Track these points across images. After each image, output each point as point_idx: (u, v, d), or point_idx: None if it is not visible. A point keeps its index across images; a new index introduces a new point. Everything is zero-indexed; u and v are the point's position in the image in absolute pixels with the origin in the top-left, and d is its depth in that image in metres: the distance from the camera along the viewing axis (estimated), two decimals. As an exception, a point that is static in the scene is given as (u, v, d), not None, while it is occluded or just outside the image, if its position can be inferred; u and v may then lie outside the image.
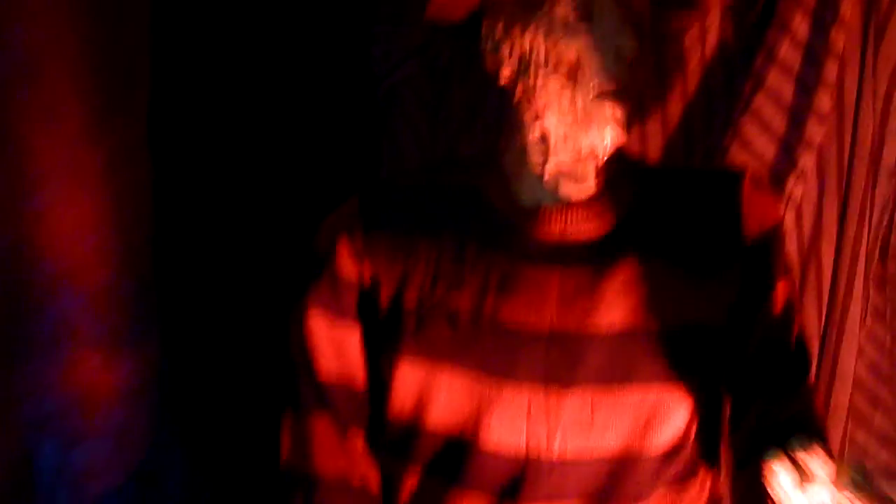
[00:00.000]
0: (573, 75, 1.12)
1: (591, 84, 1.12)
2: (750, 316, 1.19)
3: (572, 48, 1.12)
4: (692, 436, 1.19)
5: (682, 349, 1.15)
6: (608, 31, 1.12)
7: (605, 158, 1.17)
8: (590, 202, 1.18)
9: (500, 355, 1.14)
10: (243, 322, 1.82)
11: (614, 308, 1.14)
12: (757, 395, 1.20)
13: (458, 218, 1.20)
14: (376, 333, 1.21)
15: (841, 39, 1.44)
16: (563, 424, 1.14)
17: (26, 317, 1.46)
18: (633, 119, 1.17)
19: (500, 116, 1.71)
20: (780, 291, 1.20)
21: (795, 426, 1.15)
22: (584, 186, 1.18)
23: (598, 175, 1.18)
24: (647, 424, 1.15)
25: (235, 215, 1.85)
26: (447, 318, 1.16)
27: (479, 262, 1.17)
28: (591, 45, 1.12)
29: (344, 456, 1.23)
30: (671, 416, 1.15)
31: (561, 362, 1.13)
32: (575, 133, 1.14)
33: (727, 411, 1.24)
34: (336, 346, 1.22)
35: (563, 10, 1.12)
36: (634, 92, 1.15)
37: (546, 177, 1.17)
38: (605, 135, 1.13)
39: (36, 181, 1.43)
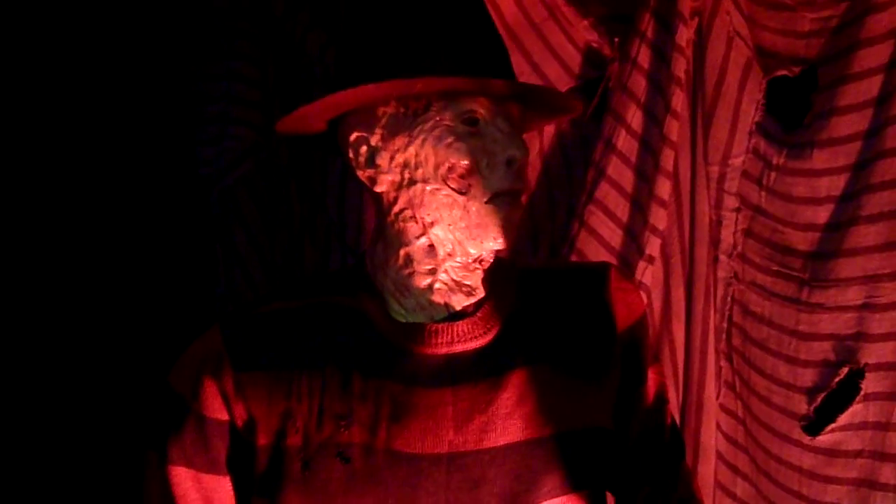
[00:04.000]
0: (465, 182, 1.10)
1: (485, 189, 1.10)
2: (627, 409, 1.20)
3: (464, 154, 1.09)
4: None
5: (580, 454, 1.14)
6: (497, 137, 1.11)
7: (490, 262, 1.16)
8: (475, 311, 1.15)
9: (398, 487, 1.09)
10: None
11: (511, 419, 1.12)
12: (639, 488, 1.22)
13: (338, 344, 1.14)
14: (252, 481, 1.13)
15: (675, 129, 1.51)
16: None
17: None
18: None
19: (344, 218, 1.71)
20: (651, 381, 1.23)
21: None
22: (473, 296, 1.15)
23: (484, 281, 1.17)
24: None
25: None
26: (338, 456, 1.09)
27: (367, 391, 1.11)
28: (482, 149, 1.10)
29: None
30: None
31: (462, 485, 1.09)
32: (465, 241, 1.12)
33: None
34: (205, 501, 1.15)
35: (451, 118, 1.10)
36: (523, 192, 1.14)
37: (434, 291, 1.14)
38: (497, 240, 1.12)
39: None
